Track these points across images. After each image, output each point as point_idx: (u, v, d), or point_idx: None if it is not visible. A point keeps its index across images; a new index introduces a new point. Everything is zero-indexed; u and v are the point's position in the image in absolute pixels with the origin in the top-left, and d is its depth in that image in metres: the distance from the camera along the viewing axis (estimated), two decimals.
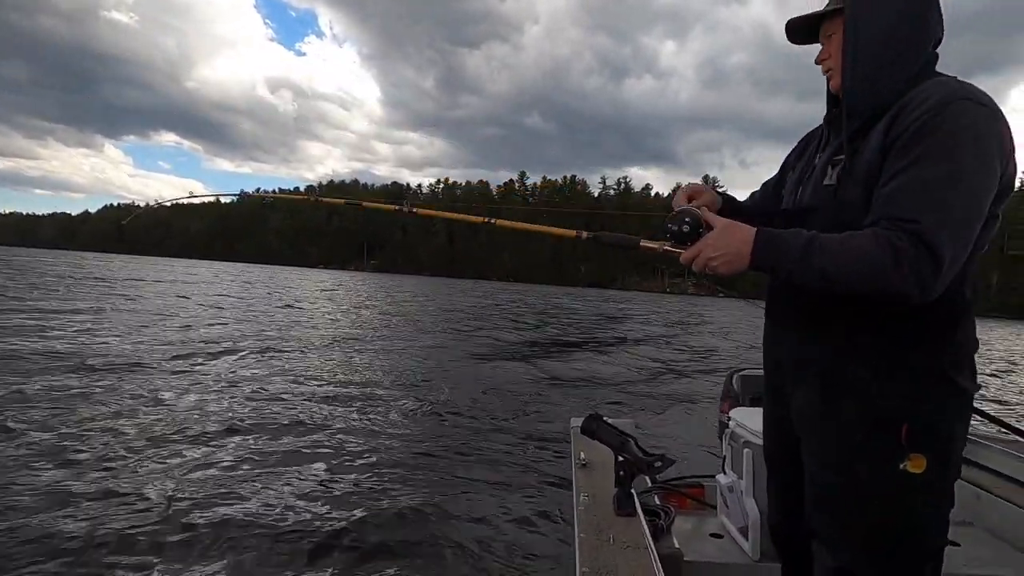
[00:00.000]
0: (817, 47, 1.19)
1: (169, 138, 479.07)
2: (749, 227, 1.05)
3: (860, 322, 1.04)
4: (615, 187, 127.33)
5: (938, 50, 1.09)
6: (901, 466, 0.98)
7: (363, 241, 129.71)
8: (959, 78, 1.03)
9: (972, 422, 1.07)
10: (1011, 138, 0.98)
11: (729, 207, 1.31)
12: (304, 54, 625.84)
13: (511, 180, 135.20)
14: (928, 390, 1.00)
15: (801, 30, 1.19)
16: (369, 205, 1.88)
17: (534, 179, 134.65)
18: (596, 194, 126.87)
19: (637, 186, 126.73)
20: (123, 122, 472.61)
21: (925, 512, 1.01)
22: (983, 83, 1.05)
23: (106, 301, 13.81)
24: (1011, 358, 15.86)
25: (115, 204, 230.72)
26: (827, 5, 1.14)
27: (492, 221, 1.47)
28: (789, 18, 1.19)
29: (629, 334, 15.17)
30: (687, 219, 1.08)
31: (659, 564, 1.03)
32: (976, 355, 1.07)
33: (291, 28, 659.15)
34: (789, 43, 1.23)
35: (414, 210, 1.64)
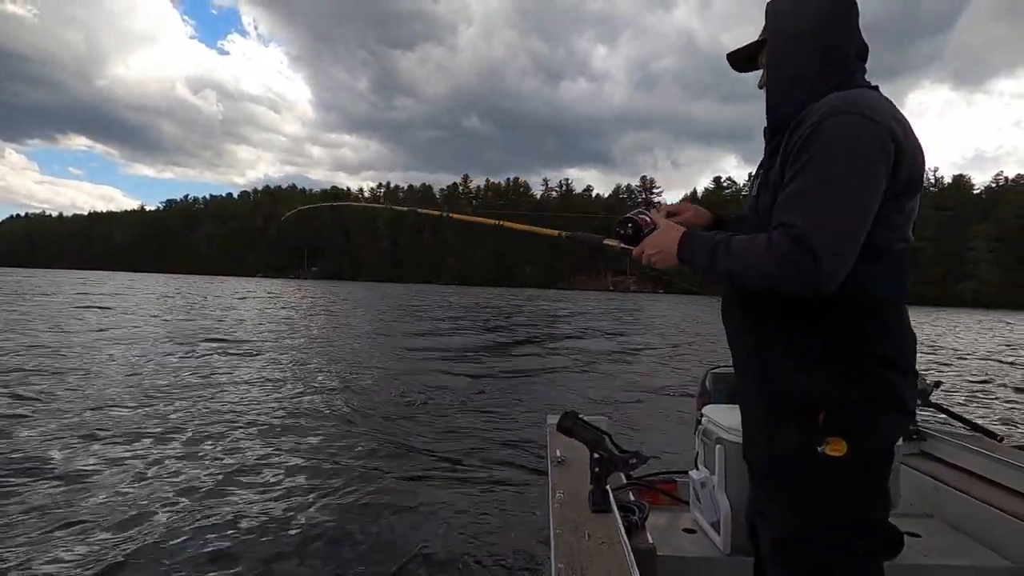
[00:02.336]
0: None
1: (80, 142, 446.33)
2: (681, 228, 1.19)
3: (783, 315, 1.10)
4: (557, 188, 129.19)
5: (866, 63, 1.14)
6: (820, 449, 1.05)
7: (303, 247, 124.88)
8: (871, 86, 1.11)
9: (934, 417, 1.14)
10: (905, 140, 1.01)
11: (716, 219, 1.41)
12: (228, 53, 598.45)
13: (455, 183, 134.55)
14: (848, 381, 1.05)
15: (741, 61, 1.28)
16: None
17: (477, 182, 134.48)
18: (539, 196, 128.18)
19: (578, 187, 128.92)
20: (25, 124, 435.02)
21: (850, 492, 1.07)
22: (882, 89, 1.11)
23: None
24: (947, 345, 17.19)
25: (22, 214, 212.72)
26: (760, 35, 1.22)
27: (500, 223, 1.84)
28: (727, 52, 1.28)
29: (592, 333, 15.39)
30: (628, 224, 1.28)
31: (633, 559, 1.04)
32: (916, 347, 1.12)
33: (212, 26, 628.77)
34: (711, 49, 1.31)
35: (452, 215, 2.07)
